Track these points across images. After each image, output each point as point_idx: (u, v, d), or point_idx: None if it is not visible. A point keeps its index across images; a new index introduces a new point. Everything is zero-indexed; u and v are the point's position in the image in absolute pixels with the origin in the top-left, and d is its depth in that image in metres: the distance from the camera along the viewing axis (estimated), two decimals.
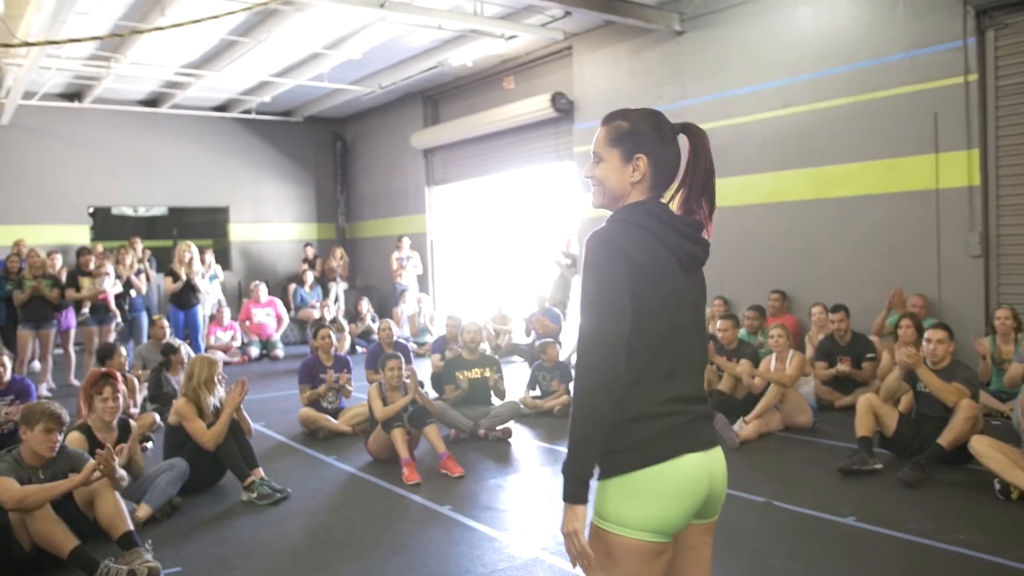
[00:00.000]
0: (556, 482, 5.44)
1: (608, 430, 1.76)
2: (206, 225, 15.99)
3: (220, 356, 10.79)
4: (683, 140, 1.99)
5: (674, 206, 1.98)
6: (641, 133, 1.94)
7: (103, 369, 5.00)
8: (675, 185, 1.99)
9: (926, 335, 5.35)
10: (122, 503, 4.07)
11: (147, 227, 15.45)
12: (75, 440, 4.56)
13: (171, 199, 15.11)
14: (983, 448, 4.71)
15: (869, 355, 7.10)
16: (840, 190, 8.33)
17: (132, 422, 5.02)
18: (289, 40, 10.49)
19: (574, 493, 1.74)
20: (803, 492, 4.83)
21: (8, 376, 6.08)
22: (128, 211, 15.21)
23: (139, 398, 7.38)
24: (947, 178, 7.48)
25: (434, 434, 5.58)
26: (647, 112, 1.98)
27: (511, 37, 10.70)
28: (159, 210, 15.51)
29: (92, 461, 3.98)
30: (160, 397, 7.28)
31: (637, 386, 1.81)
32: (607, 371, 1.74)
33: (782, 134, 8.75)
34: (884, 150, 7.94)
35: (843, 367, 7.08)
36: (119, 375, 4.87)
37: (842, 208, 8.33)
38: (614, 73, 10.66)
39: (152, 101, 14.15)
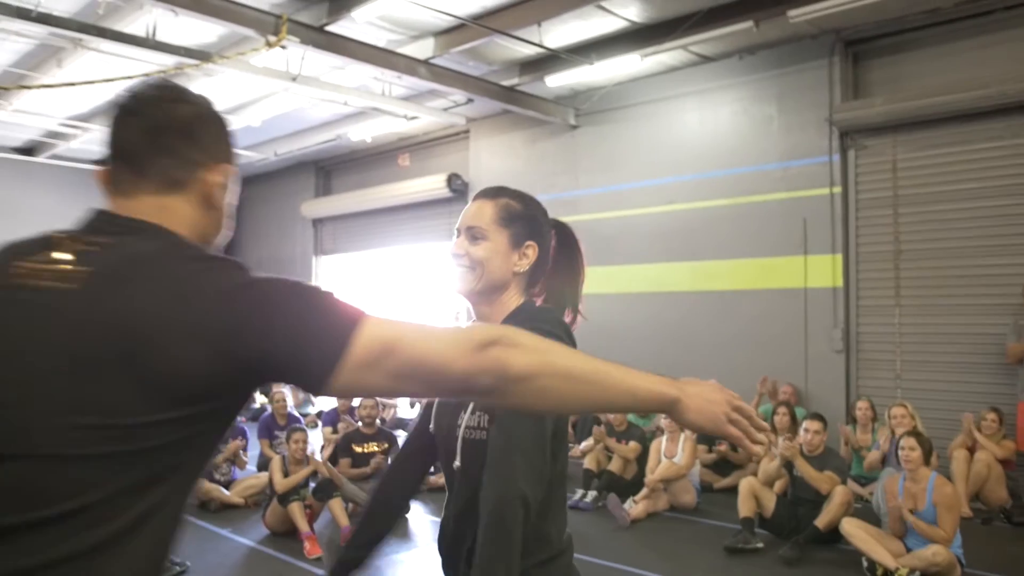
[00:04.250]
0: None
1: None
2: None
3: None
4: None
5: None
6: (534, 220, 1.78)
7: None
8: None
9: (804, 426, 5.87)
10: None
11: None
12: None
13: None
14: (852, 529, 5.18)
15: None
16: (718, 284, 8.96)
17: None
18: None
19: None
20: (694, 570, 5.13)
21: None
22: None
23: None
24: (814, 278, 8.23)
25: (339, 508, 5.59)
26: (532, 198, 1.83)
27: (413, 118, 11.03)
28: None
29: None
30: None
31: (551, 514, 1.68)
32: (538, 490, 1.54)
33: (667, 228, 9.37)
34: (759, 249, 8.64)
35: (721, 449, 7.54)
36: None
37: (719, 301, 8.95)
38: (510, 159, 11.12)
39: (29, 150, 13.57)
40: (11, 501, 0.98)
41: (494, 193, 1.78)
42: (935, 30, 7.64)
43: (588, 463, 7.13)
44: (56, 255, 1.09)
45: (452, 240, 1.80)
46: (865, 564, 5.06)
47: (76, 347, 1.02)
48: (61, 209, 12.18)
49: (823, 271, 8.17)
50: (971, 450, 6.65)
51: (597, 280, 9.61)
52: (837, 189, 8.13)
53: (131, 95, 1.23)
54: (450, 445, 1.72)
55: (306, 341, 1.08)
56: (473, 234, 1.72)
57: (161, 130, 1.20)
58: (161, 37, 7.71)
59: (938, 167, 7.70)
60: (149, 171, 1.19)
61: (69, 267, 1.07)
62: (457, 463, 1.70)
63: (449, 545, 1.77)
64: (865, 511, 6.15)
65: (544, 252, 1.77)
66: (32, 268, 1.09)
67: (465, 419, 1.68)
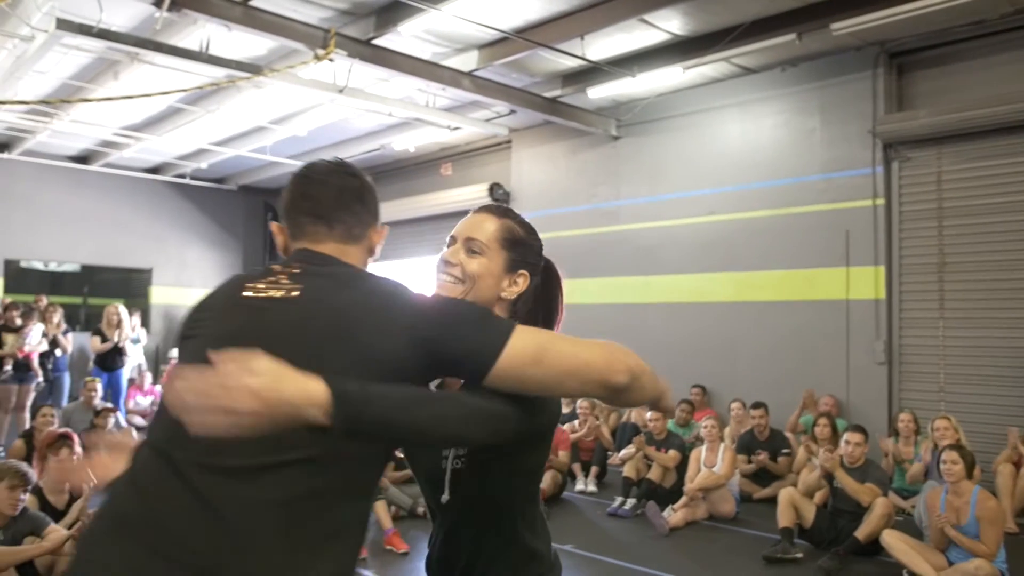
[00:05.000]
0: None
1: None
2: (119, 284, 15.57)
3: (139, 421, 10.57)
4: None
5: None
6: (532, 250, 1.72)
7: (61, 430, 4.98)
8: None
9: (845, 437, 5.88)
10: None
11: (54, 282, 14.94)
12: (27, 502, 4.52)
13: (90, 257, 14.76)
14: (893, 541, 5.18)
15: (785, 450, 7.59)
16: (759, 294, 8.97)
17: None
18: (238, 112, 10.69)
19: (356, 402, 1.23)
20: None
21: None
22: (38, 265, 14.76)
23: None
24: (857, 290, 8.20)
25: (382, 510, 5.72)
26: (534, 229, 1.76)
27: (455, 128, 11.19)
28: (71, 266, 15.11)
29: (64, 530, 3.98)
30: None
31: (537, 530, 1.68)
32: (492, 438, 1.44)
33: (708, 239, 9.40)
34: (801, 260, 8.64)
35: (760, 459, 7.54)
36: (75, 436, 4.86)
37: (761, 311, 8.96)
38: (551, 169, 11.23)
39: (83, 158, 13.99)
40: (266, 446, 1.25)
41: (500, 212, 1.74)
42: (980, 42, 7.61)
43: (627, 471, 7.19)
44: (277, 277, 1.47)
45: (444, 247, 1.75)
46: None
47: (303, 335, 1.35)
48: (111, 213, 12.55)
49: (865, 283, 8.14)
50: (1016, 465, 6.59)
51: (638, 290, 9.68)
52: (880, 201, 8.11)
53: (311, 168, 1.62)
54: (436, 477, 1.65)
55: (473, 339, 1.37)
56: (471, 247, 1.67)
57: (345, 196, 1.57)
58: (214, 51, 7.94)
59: (983, 179, 7.65)
60: (336, 226, 1.56)
61: (289, 282, 1.45)
62: (446, 496, 1.63)
63: (437, 571, 1.75)
64: (907, 524, 6.13)
65: (530, 287, 1.71)
66: (261, 286, 1.46)
67: (452, 450, 1.63)
